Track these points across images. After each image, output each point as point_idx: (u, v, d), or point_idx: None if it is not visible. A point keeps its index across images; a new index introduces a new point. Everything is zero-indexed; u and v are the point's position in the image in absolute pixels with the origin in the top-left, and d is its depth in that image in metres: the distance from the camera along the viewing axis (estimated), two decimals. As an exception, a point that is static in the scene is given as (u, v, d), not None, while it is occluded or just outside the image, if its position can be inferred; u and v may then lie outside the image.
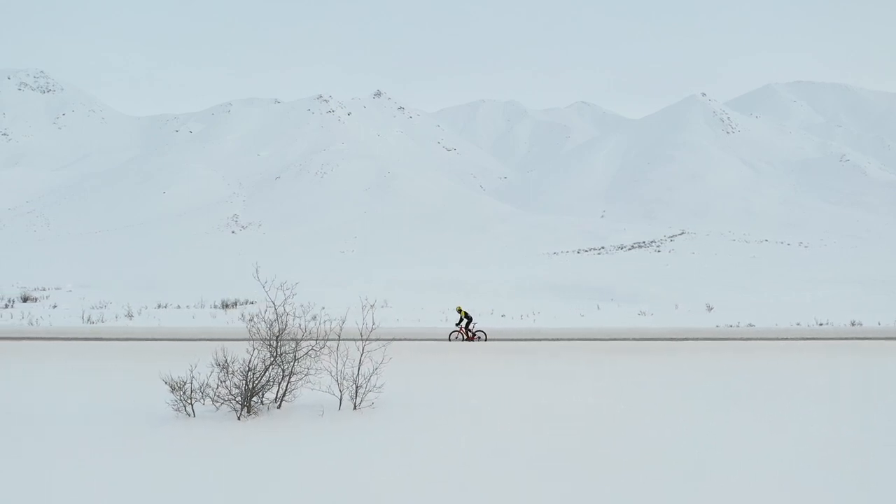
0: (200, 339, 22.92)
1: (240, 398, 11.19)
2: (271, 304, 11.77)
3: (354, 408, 11.60)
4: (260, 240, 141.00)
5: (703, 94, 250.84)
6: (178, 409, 11.13)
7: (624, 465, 8.55)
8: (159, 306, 33.18)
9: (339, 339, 11.68)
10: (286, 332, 11.71)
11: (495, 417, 11.22)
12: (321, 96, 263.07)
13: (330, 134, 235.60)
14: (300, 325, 11.72)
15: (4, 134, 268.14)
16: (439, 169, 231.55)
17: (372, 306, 12.42)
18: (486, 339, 24.05)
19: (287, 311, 11.75)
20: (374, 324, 12.11)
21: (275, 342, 11.64)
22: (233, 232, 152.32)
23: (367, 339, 12.09)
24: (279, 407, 11.53)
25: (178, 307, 33.29)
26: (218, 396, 11.17)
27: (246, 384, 11.21)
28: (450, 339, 23.92)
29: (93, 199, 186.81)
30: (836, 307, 36.20)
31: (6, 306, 33.30)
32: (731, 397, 13.19)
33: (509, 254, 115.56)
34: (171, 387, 11.18)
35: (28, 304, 34.58)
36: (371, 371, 11.89)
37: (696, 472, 8.34)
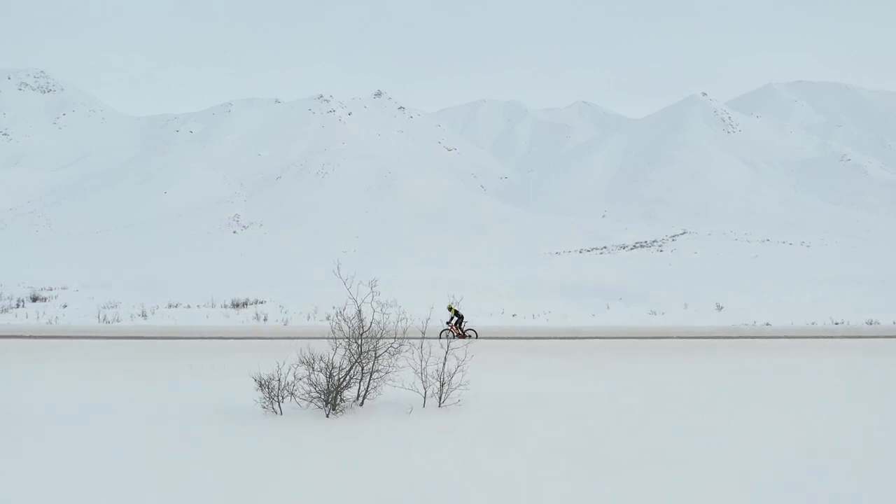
0: (233, 338, 22.95)
1: (325, 396, 11.23)
2: (353, 301, 11.67)
3: (439, 405, 11.56)
4: (261, 240, 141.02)
5: (704, 94, 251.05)
6: (265, 407, 11.12)
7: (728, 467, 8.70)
8: (170, 306, 33.24)
9: (423, 338, 11.69)
10: (362, 329, 11.70)
11: (583, 415, 11.31)
12: (322, 96, 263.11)
13: (331, 134, 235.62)
14: (380, 322, 11.69)
15: (5, 134, 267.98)
16: (439, 169, 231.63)
17: (458, 303, 12.30)
18: (476, 337, 23.96)
19: (376, 308, 11.70)
20: (467, 322, 12.18)
21: (359, 340, 11.62)
22: (234, 232, 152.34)
23: (450, 338, 12.16)
24: (361, 404, 11.51)
25: (188, 307, 33.32)
26: (309, 395, 11.22)
27: (332, 382, 11.23)
28: (440, 337, 23.93)
29: (94, 199, 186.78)
30: (844, 307, 36.28)
31: (17, 306, 33.32)
32: (794, 395, 13.26)
33: (511, 253, 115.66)
34: (259, 384, 11.19)
35: (38, 303, 34.63)
36: (455, 368, 11.83)
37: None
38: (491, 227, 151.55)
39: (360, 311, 11.73)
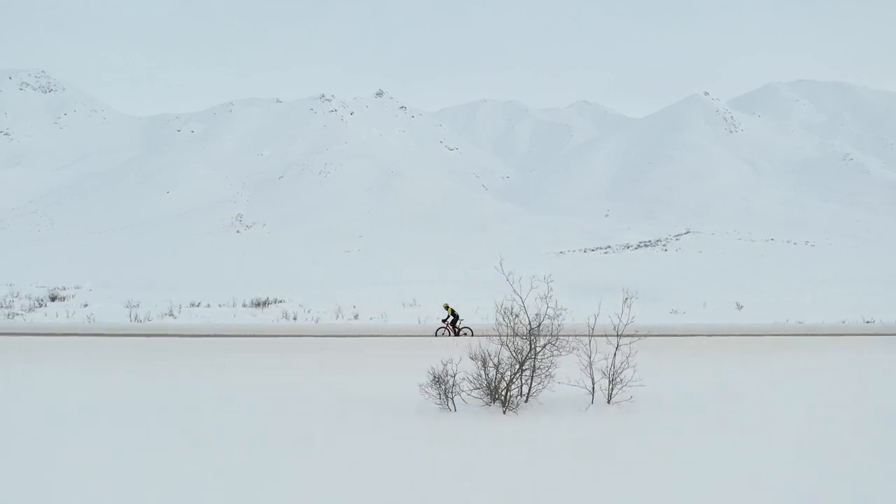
0: (300, 336, 23.11)
1: (494, 393, 11.28)
2: (517, 297, 11.63)
3: (608, 401, 11.53)
4: (265, 239, 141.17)
5: (706, 94, 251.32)
6: (440, 404, 11.16)
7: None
8: (192, 305, 33.37)
9: (592, 336, 11.59)
10: (531, 326, 11.67)
11: (751, 413, 11.20)
12: (324, 96, 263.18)
13: (332, 133, 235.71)
14: (542, 319, 11.61)
15: (6, 134, 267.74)
16: (440, 169, 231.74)
17: (627, 300, 11.96)
18: (472, 335, 24.44)
19: (550, 305, 11.61)
20: (630, 318, 11.76)
21: (529, 337, 11.59)
22: (238, 231, 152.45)
23: (620, 335, 12.06)
24: (526, 401, 11.49)
25: (208, 306, 33.45)
26: (478, 391, 11.28)
27: (503, 378, 11.28)
28: (436, 335, 24.36)
29: (96, 199, 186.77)
30: (857, 305, 36.39)
31: (39, 305, 33.41)
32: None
33: (512, 253, 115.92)
34: (434, 379, 11.26)
35: (57, 302, 34.73)
36: (623, 365, 11.69)
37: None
38: (492, 226, 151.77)
39: (524, 307, 11.70)
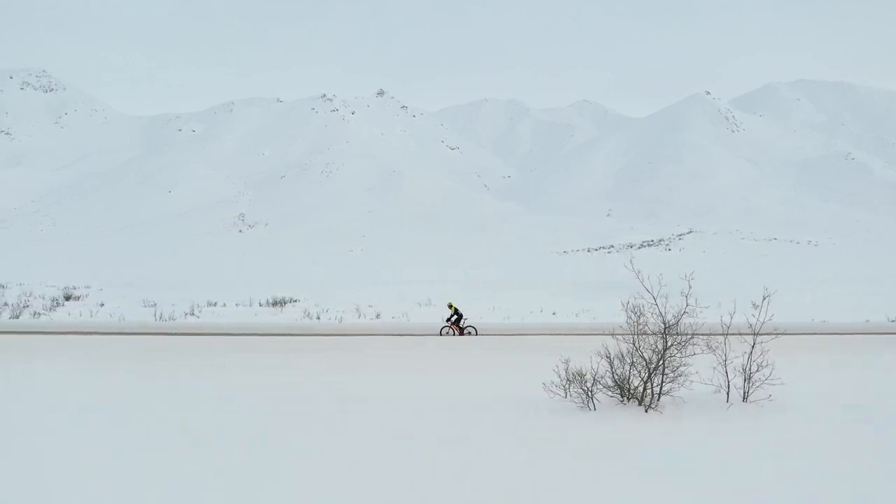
0: (343, 335, 23.27)
1: (627, 392, 11.29)
2: (651, 296, 11.51)
3: (744, 400, 11.43)
4: (268, 239, 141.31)
5: (707, 93, 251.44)
6: (580, 403, 11.12)
7: None
8: (208, 304, 33.44)
9: (728, 334, 11.43)
10: (666, 324, 11.58)
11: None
12: (325, 95, 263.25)
13: (333, 133, 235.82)
14: (688, 315, 11.51)
15: (7, 133, 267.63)
16: (441, 168, 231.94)
17: (764, 299, 11.57)
18: (476, 334, 24.71)
19: (689, 303, 11.48)
20: (767, 317, 11.43)
21: (664, 335, 11.48)
22: (240, 231, 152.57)
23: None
24: (658, 399, 11.36)
25: (224, 305, 33.55)
26: (619, 390, 11.30)
27: (640, 376, 11.29)
28: (441, 334, 24.63)
29: (97, 199, 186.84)
30: (859, 305, 36.53)
31: (56, 305, 33.47)
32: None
33: (516, 252, 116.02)
34: (573, 377, 11.30)
35: (72, 302, 34.79)
36: (759, 363, 11.47)
37: None
38: (492, 226, 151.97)
39: (658, 305, 11.60)
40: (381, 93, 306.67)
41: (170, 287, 56.01)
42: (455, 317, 24.74)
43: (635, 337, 11.57)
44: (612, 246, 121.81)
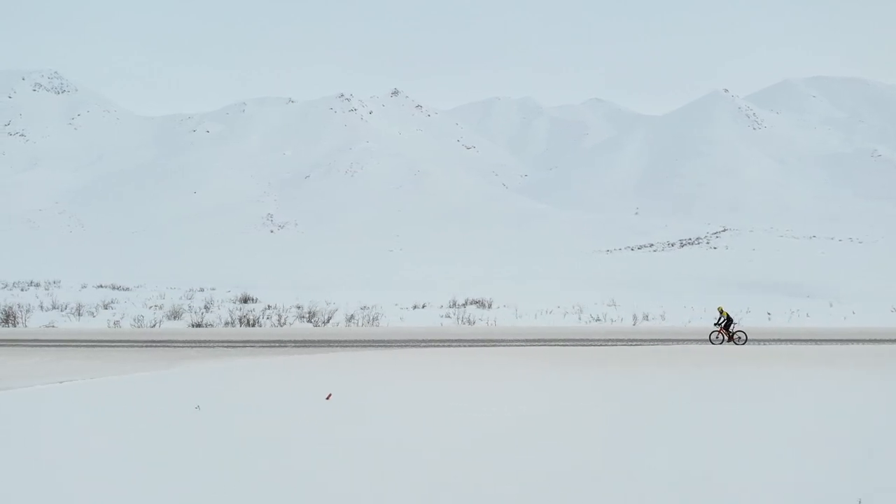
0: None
1: None
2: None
3: None
4: (300, 238, 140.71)
5: (726, 90, 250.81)
6: None
7: None
8: (362, 308, 32.94)
9: None
10: None
11: None
12: (343, 95, 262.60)
13: (354, 132, 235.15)
14: None
15: (22, 135, 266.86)
16: (461, 166, 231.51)
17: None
18: (746, 339, 24.10)
19: None
20: None
21: None
22: (271, 231, 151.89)
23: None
24: None
25: (405, 308, 33.03)
26: None
27: None
28: (710, 340, 24.21)
29: (122, 199, 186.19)
30: None
31: (241, 302, 32.98)
32: None
33: (555, 251, 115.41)
34: None
35: (249, 304, 34.49)
36: None
37: None
38: (524, 224, 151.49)
39: None
40: (395, 92, 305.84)
41: (222, 285, 55.40)
42: (724, 321, 24.16)
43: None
44: (652, 244, 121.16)
